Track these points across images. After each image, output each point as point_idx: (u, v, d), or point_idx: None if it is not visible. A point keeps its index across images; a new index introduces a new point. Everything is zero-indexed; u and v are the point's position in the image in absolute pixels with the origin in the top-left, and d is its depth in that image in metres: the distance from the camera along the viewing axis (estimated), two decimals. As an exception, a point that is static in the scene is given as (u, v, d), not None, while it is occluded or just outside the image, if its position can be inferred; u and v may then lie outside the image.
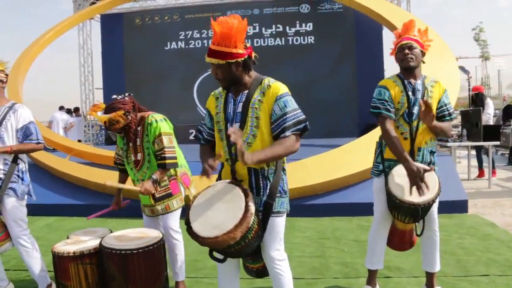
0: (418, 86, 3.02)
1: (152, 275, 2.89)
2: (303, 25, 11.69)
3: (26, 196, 3.30)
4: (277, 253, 2.42)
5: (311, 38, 11.68)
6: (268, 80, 2.42)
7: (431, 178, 2.84)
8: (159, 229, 3.31)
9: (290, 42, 11.73)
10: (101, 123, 3.23)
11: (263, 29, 11.76)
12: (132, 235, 3.04)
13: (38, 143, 3.29)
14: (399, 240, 3.24)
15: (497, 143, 7.34)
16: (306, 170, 5.81)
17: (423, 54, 3.10)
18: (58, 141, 7.54)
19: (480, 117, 7.11)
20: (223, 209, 2.26)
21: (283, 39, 11.76)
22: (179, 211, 3.35)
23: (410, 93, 3.00)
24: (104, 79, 12.75)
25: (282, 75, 11.09)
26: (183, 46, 11.95)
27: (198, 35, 11.91)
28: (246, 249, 2.33)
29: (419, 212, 2.85)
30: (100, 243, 2.90)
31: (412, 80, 3.03)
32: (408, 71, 3.03)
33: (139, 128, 3.25)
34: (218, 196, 2.33)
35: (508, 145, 10.05)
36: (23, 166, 3.32)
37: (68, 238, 3.25)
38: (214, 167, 2.35)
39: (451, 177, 6.14)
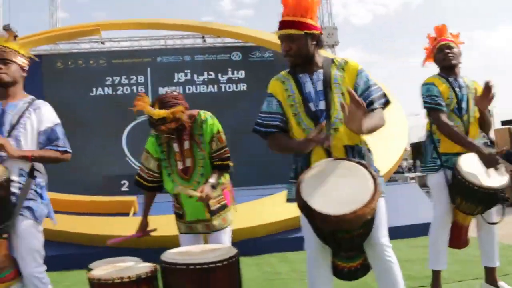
0: (462, 83, 3.17)
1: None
2: (235, 72, 11.76)
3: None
4: (386, 239, 2.21)
5: (243, 85, 11.74)
6: (339, 58, 2.37)
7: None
8: None
9: (223, 89, 11.66)
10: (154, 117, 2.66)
11: (195, 76, 11.58)
12: (197, 250, 2.47)
13: (66, 152, 2.66)
14: (455, 237, 3.19)
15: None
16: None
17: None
18: None
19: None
20: (347, 184, 2.01)
21: (215, 86, 11.66)
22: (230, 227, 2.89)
23: (457, 89, 3.14)
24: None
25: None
26: (110, 92, 11.19)
27: (126, 81, 11.28)
28: (363, 237, 2.14)
29: (495, 198, 2.86)
30: (165, 261, 2.28)
31: (454, 77, 3.18)
32: (449, 70, 3.24)
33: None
34: (330, 174, 2.06)
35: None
36: (42, 179, 2.62)
37: (90, 269, 2.54)
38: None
39: (422, 201, 6.46)
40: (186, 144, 2.76)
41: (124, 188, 10.52)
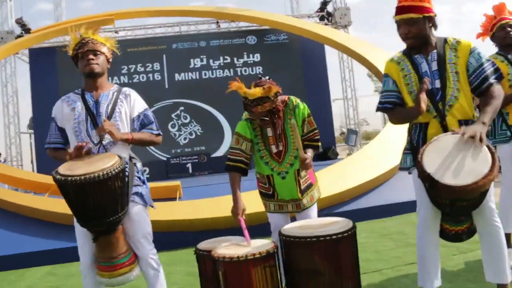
0: None
1: (356, 261, 2.39)
2: (251, 56, 11.72)
3: None
4: (494, 205, 2.34)
5: (259, 68, 11.72)
6: (451, 38, 2.45)
7: None
8: None
9: (239, 73, 11.62)
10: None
11: (211, 61, 11.53)
12: (315, 223, 2.52)
13: (159, 134, 2.67)
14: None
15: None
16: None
17: None
18: (28, 178, 6.30)
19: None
20: (466, 158, 2.11)
21: (231, 70, 11.62)
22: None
23: None
24: (35, 121, 11.20)
25: (234, 106, 10.98)
26: (126, 80, 11.11)
27: (142, 69, 11.22)
28: (476, 204, 2.25)
29: None
30: (291, 235, 2.32)
31: None
32: (510, 47, 3.24)
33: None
34: (450, 147, 2.16)
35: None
36: (140, 165, 2.65)
37: (199, 249, 2.59)
38: None
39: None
40: (279, 129, 2.78)
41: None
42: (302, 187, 2.82)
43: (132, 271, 2.41)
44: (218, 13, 11.49)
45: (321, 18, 12.53)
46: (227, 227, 4.81)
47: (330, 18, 12.46)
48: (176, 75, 11.35)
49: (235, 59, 11.65)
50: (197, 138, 11.34)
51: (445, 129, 2.33)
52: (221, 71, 11.58)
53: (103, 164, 2.22)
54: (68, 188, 2.19)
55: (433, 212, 2.34)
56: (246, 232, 2.51)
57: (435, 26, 2.42)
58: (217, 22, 11.81)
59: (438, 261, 2.43)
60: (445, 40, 2.43)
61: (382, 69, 6.65)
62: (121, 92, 2.64)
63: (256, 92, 2.63)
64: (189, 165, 10.62)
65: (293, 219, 2.91)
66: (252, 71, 11.71)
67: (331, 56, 12.74)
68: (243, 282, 2.26)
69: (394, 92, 2.47)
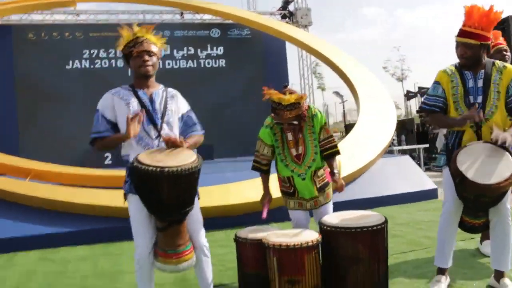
0: None
1: (387, 248, 2.78)
2: (214, 48, 11.85)
3: None
4: (509, 206, 2.81)
5: (222, 61, 11.89)
6: (499, 62, 2.89)
7: None
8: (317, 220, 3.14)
9: (202, 65, 11.73)
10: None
11: (175, 51, 11.50)
12: (351, 216, 2.86)
13: (203, 134, 2.87)
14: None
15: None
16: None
17: None
18: (8, 163, 6.12)
19: (413, 124, 8.45)
20: (493, 163, 2.58)
21: (195, 61, 11.69)
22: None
23: None
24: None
25: (196, 97, 11.16)
26: (88, 65, 10.82)
27: (105, 54, 10.95)
28: (495, 203, 2.71)
29: None
30: (336, 226, 2.66)
31: None
32: None
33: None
34: (480, 153, 2.65)
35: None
36: None
37: (239, 237, 2.86)
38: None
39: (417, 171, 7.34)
40: (299, 133, 3.08)
41: (107, 161, 10.41)
42: (319, 186, 3.13)
43: (193, 258, 2.61)
44: (183, 4, 11.46)
45: (283, 17, 12.93)
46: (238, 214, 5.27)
47: (291, 17, 12.89)
48: (140, 62, 11.23)
49: (198, 50, 11.72)
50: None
51: (479, 137, 2.79)
52: (185, 61, 11.61)
53: (187, 157, 2.40)
54: (162, 179, 2.30)
55: (457, 205, 2.80)
56: (264, 214, 3.00)
57: (488, 51, 2.84)
58: (182, 13, 11.80)
59: (454, 246, 2.90)
60: (493, 63, 2.87)
61: (343, 68, 7.18)
62: (168, 91, 2.79)
63: (290, 98, 2.91)
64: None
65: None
66: (216, 63, 11.86)
67: (291, 52, 13.10)
68: (298, 266, 2.55)
69: (442, 99, 2.88)
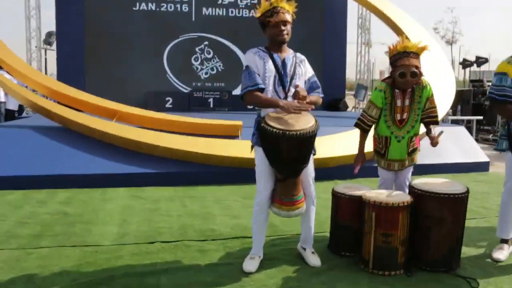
0: None
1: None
2: (277, -1, 11.88)
3: None
4: None
5: (284, 12, 11.94)
6: None
7: None
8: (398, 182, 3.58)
9: (264, 15, 11.84)
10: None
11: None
12: (437, 182, 3.29)
13: (323, 98, 3.20)
14: None
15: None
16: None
17: None
18: (96, 103, 6.71)
19: (470, 95, 8.53)
20: None
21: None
22: None
23: None
24: (58, 38, 11.16)
25: (256, 46, 11.35)
26: (153, 8, 11.14)
27: (171, -3, 11.23)
28: None
29: None
30: (424, 190, 3.10)
31: None
32: None
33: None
34: None
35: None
36: None
37: (338, 192, 3.33)
38: None
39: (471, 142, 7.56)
40: (407, 102, 3.43)
41: (168, 105, 10.98)
42: (410, 150, 3.54)
43: (304, 206, 3.10)
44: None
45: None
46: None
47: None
48: (204, 9, 11.46)
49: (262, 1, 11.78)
50: (218, 74, 11.72)
51: None
52: (247, 11, 11.76)
53: (307, 122, 2.82)
54: (283, 140, 2.73)
55: None
56: (356, 170, 3.49)
57: None
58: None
59: None
60: None
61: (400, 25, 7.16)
62: (297, 57, 3.14)
63: (414, 45, 3.30)
64: (210, 100, 11.12)
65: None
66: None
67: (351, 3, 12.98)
68: (392, 222, 3.02)
69: (510, 88, 3.12)
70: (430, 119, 3.49)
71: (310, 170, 3.14)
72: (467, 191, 3.11)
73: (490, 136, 10.68)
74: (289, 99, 3.00)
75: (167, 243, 3.57)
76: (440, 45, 9.94)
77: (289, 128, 2.76)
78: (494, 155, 8.10)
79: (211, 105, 11.12)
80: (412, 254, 3.14)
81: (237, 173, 5.76)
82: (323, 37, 12.15)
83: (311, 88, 3.16)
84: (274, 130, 2.75)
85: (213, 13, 11.56)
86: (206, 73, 11.66)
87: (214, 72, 11.72)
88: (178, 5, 11.34)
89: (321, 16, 12.14)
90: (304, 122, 2.84)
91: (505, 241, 3.36)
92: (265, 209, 3.11)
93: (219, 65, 11.71)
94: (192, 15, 11.45)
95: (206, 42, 11.55)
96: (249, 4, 11.75)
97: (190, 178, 5.63)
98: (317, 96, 3.14)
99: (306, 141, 2.83)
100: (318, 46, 11.98)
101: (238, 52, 11.81)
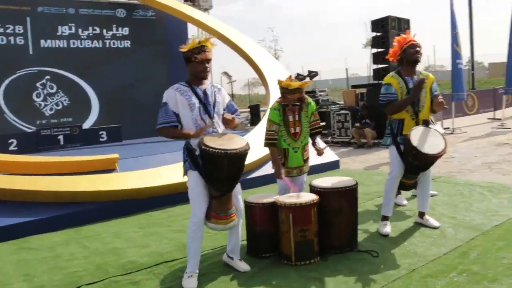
0: None
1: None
2: (120, 29, 11.83)
3: None
4: None
5: (127, 42, 11.96)
6: (424, 72, 4.28)
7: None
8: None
9: (108, 45, 11.67)
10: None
11: (80, 30, 11.23)
12: (331, 180, 3.96)
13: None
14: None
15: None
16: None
17: None
18: None
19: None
20: (432, 139, 3.84)
21: (100, 41, 11.55)
22: None
23: None
24: None
25: (102, 78, 11.32)
26: (-20, 41, 10.03)
27: (1, 30, 10.22)
28: (427, 167, 4.05)
29: None
30: (323, 187, 3.75)
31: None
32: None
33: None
34: (424, 134, 3.88)
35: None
36: None
37: (251, 202, 3.78)
38: None
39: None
40: (297, 116, 4.07)
41: (12, 147, 9.93)
42: (305, 158, 4.18)
43: (236, 219, 3.41)
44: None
45: (185, 0, 13.35)
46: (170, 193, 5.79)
47: (193, 1, 13.39)
48: (42, 41, 10.74)
49: (104, 30, 11.60)
50: (64, 109, 11.05)
51: (417, 123, 4.02)
52: (90, 41, 11.41)
53: (241, 142, 3.19)
54: (225, 159, 3.04)
55: (400, 172, 4.07)
56: (291, 185, 3.88)
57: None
58: (85, -10, 11.50)
59: (394, 197, 4.21)
60: (420, 72, 4.16)
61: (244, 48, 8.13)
62: (214, 86, 3.50)
63: (297, 84, 3.91)
64: (60, 137, 10.42)
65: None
66: (121, 44, 11.88)
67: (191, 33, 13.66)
68: (307, 219, 3.54)
69: (395, 95, 4.02)
70: (316, 130, 4.16)
71: (238, 186, 3.48)
72: (356, 183, 3.82)
73: (329, 139, 12.37)
74: (216, 124, 3.34)
75: (94, 284, 3.47)
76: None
77: (229, 148, 3.08)
78: (339, 153, 9.48)
79: (62, 142, 10.41)
80: (323, 242, 3.70)
81: (125, 205, 5.69)
82: (169, 63, 12.45)
83: (229, 111, 3.52)
84: (217, 150, 3.05)
85: (53, 45, 10.93)
86: (51, 109, 10.92)
87: (60, 107, 11.05)
88: (11, 37, 10.43)
89: (165, 43, 12.45)
90: (238, 142, 3.20)
91: (387, 218, 4.19)
92: (202, 227, 3.33)
93: (65, 100, 11.10)
94: (29, 48, 10.64)
95: (48, 77, 10.84)
96: (91, 34, 11.45)
97: (77, 219, 5.35)
98: (238, 119, 3.50)
99: (243, 159, 3.19)
100: (165, 70, 12.25)
101: (84, 85, 11.39)
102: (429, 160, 3.83)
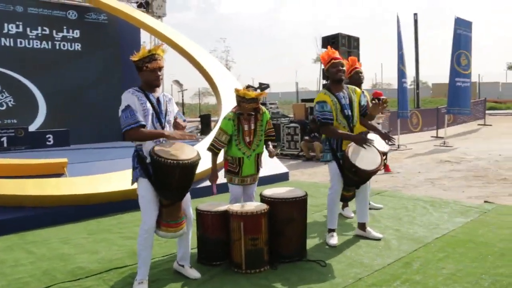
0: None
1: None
2: (70, 31, 11.56)
3: None
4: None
5: (78, 45, 11.70)
6: (352, 87, 4.45)
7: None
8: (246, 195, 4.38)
9: (57, 47, 11.36)
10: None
11: (28, 29, 10.86)
12: (281, 191, 4.09)
13: None
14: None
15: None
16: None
17: None
18: None
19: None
20: (369, 155, 4.07)
21: (50, 42, 11.23)
22: None
23: None
24: None
25: (51, 80, 11.00)
26: None
27: None
28: (365, 181, 4.28)
29: None
30: (275, 198, 3.88)
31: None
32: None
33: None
34: (360, 149, 4.08)
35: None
36: None
37: (203, 210, 3.85)
38: None
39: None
40: (252, 125, 4.20)
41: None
42: (259, 167, 4.32)
43: (185, 226, 3.45)
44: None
45: (139, 6, 13.25)
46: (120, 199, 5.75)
47: (147, 7, 13.31)
48: (-14, 38, 10.33)
49: (54, 31, 11.30)
50: (9, 110, 10.64)
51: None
52: (39, 42, 11.08)
53: (192, 152, 3.23)
54: (176, 169, 3.08)
55: (341, 186, 4.27)
56: (214, 190, 4.19)
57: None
58: (36, -11, 11.17)
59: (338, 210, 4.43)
60: (347, 86, 4.32)
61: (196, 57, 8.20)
62: (166, 95, 3.51)
63: (253, 94, 4.02)
64: (4, 139, 9.98)
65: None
66: (71, 46, 11.61)
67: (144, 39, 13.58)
68: (258, 227, 3.64)
69: (331, 113, 4.12)
70: (270, 137, 4.32)
71: (188, 194, 3.52)
72: (306, 194, 3.98)
73: (279, 151, 12.53)
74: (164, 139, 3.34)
75: (40, 290, 3.40)
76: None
77: (181, 158, 3.12)
78: (288, 166, 9.70)
79: (5, 144, 9.98)
80: (273, 251, 3.82)
81: (73, 211, 5.56)
82: (121, 67, 12.26)
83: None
84: (169, 161, 3.07)
85: (-1, 44, 10.51)
86: (-6, 110, 10.47)
87: (4, 108, 10.64)
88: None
89: (118, 47, 12.26)
90: (188, 152, 3.24)
91: (333, 230, 4.38)
92: (153, 235, 3.35)
93: (10, 100, 10.69)
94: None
95: (-8, 76, 10.41)
96: (40, 34, 11.11)
97: (23, 224, 5.16)
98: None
99: (194, 169, 3.24)
100: (117, 74, 12.06)
101: (30, 86, 11.03)
102: (368, 175, 4.07)
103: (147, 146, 3.25)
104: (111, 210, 5.71)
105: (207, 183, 6.95)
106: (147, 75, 3.31)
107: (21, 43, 10.85)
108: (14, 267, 3.93)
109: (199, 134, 14.14)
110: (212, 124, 15.17)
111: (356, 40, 13.07)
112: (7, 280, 3.62)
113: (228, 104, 8.44)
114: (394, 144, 6.39)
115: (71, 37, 11.60)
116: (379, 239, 4.40)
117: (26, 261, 4.09)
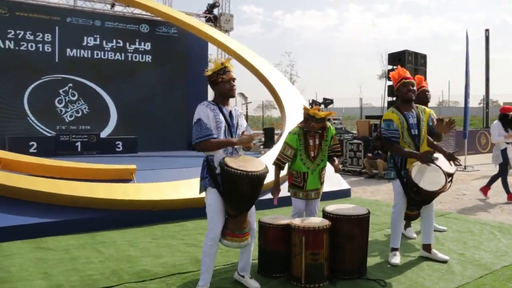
0: None
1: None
2: (142, 43, 12.20)
3: None
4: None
5: (149, 57, 12.30)
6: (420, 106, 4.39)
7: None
8: (308, 209, 4.36)
9: (130, 59, 12.02)
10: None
11: (104, 42, 11.61)
12: (344, 207, 4.06)
13: None
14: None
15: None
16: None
17: None
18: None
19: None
20: (433, 175, 3.97)
21: (123, 54, 11.92)
22: None
23: None
24: None
25: (121, 90, 11.52)
26: (12, 46, 10.39)
27: (31, 37, 10.62)
28: (429, 201, 4.17)
29: None
30: (337, 214, 3.86)
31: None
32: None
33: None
34: (425, 169, 4.01)
35: None
36: None
37: (265, 223, 3.89)
38: None
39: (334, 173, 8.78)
40: (317, 141, 4.23)
41: (32, 150, 10.21)
42: (322, 180, 4.33)
43: (249, 238, 3.53)
44: (114, -6, 11.62)
45: (208, 20, 13.74)
46: (185, 207, 5.94)
47: (215, 22, 13.77)
48: (68, 50, 11.13)
49: (127, 44, 11.98)
50: (84, 117, 11.37)
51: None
52: (113, 53, 11.79)
53: (260, 164, 3.33)
54: (245, 180, 3.18)
55: (404, 205, 4.19)
56: (275, 202, 4.27)
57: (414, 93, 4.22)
58: (113, 5, 11.94)
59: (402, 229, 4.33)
60: (417, 106, 4.26)
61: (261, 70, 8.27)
62: (236, 110, 3.63)
63: (323, 113, 4.08)
64: (78, 144, 10.68)
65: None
66: (142, 58, 12.24)
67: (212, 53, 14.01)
68: (319, 243, 3.65)
69: (397, 131, 4.10)
70: (335, 153, 4.33)
71: (253, 207, 3.61)
72: (369, 212, 3.94)
73: (341, 167, 12.22)
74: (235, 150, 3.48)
75: (110, 288, 3.60)
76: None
77: (250, 170, 3.22)
78: (350, 182, 9.56)
79: (79, 149, 10.69)
80: (333, 267, 3.80)
81: (140, 215, 5.83)
82: (188, 79, 12.72)
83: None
84: (238, 171, 3.18)
85: (78, 55, 11.31)
86: (71, 116, 11.23)
87: (80, 114, 11.36)
88: (40, 45, 10.82)
89: (185, 60, 12.75)
90: (257, 164, 3.34)
91: (396, 249, 4.28)
92: (217, 243, 3.45)
93: (85, 108, 11.41)
94: (56, 56, 11.01)
95: (71, 84, 11.21)
96: (114, 47, 11.80)
97: (93, 225, 5.50)
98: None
99: (262, 181, 3.33)
100: (184, 86, 12.52)
101: (104, 95, 11.71)
102: (430, 196, 3.96)
103: (218, 156, 3.37)
104: (175, 217, 5.92)
105: (268, 195, 7.08)
106: (223, 87, 3.45)
107: (97, 54, 11.59)
108: (85, 264, 4.20)
109: (262, 147, 14.30)
110: (276, 137, 15.28)
111: (423, 57, 12.73)
112: (80, 276, 3.87)
113: (292, 118, 8.56)
114: (460, 165, 6.14)
115: (142, 49, 12.23)
116: (445, 262, 4.24)
117: (96, 259, 4.35)
